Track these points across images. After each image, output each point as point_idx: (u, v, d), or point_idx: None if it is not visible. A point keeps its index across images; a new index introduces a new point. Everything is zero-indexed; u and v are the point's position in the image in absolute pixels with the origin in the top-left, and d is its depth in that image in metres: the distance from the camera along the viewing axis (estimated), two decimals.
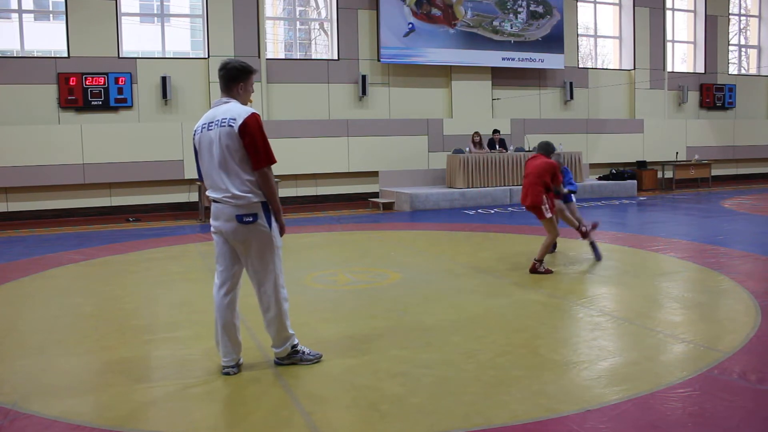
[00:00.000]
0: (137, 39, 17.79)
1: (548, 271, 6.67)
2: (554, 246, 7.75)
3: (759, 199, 14.32)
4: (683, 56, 21.28)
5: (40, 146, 12.80)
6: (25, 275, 7.26)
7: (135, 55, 14.65)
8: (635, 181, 16.23)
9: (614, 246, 8.38)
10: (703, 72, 19.65)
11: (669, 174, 17.90)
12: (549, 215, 6.75)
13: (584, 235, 7.34)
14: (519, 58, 16.58)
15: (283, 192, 14.20)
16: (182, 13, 19.63)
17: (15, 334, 4.95)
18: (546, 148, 6.94)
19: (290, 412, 3.35)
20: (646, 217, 11.97)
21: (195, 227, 11.49)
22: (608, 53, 21.55)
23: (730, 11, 20.26)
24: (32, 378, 3.93)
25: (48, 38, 16.05)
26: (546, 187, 6.74)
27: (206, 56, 14.25)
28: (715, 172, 18.93)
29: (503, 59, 16.43)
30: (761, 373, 3.70)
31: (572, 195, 7.63)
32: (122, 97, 13.46)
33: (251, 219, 3.74)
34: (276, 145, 3.81)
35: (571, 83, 17.50)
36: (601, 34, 19.24)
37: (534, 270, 6.64)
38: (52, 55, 13.73)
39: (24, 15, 13.65)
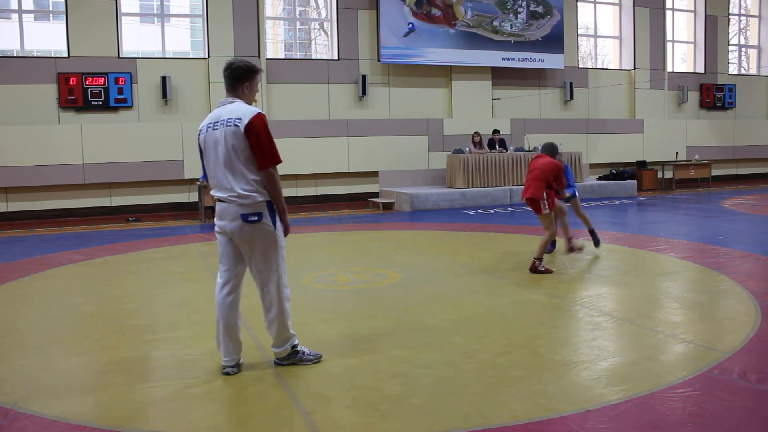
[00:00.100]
0: (137, 39, 17.79)
1: (548, 271, 6.67)
2: (553, 244, 7.79)
3: (759, 199, 14.32)
4: (683, 56, 21.29)
5: (40, 146, 12.81)
6: (25, 275, 7.26)
7: (135, 55, 14.65)
8: (635, 181, 16.23)
9: (614, 246, 8.38)
10: (703, 72, 19.66)
11: (669, 174, 17.90)
12: (547, 211, 6.79)
13: (570, 248, 7.36)
14: (519, 58, 16.58)
15: (283, 192, 14.16)
16: (182, 13, 19.63)
17: (15, 334, 4.95)
18: (551, 149, 7.06)
19: (290, 412, 3.35)
20: (646, 217, 11.97)
21: (195, 227, 11.49)
22: (608, 53, 21.56)
23: (730, 11, 20.26)
24: (32, 378, 3.93)
25: (48, 38, 16.05)
26: (548, 185, 6.81)
27: (206, 56, 14.25)
28: (715, 172, 18.93)
29: (503, 59, 16.43)
30: (761, 373, 3.70)
31: (574, 194, 7.79)
32: (122, 97, 13.46)
33: (256, 218, 3.75)
34: (276, 145, 3.82)
35: (571, 83, 17.51)
36: (601, 34, 19.24)
37: (534, 269, 6.65)
38: (52, 55, 13.73)
39: (24, 15, 13.65)
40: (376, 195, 15.07)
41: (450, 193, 13.90)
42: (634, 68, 18.37)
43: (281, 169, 3.95)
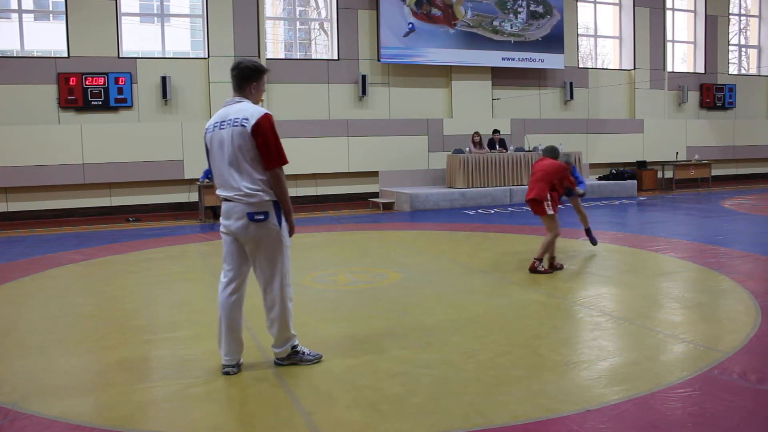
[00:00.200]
0: (137, 39, 17.78)
1: (547, 271, 6.67)
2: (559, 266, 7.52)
3: (759, 199, 14.32)
4: (683, 56, 21.28)
5: (40, 146, 12.81)
6: (25, 275, 7.26)
7: (135, 55, 14.65)
8: (635, 181, 16.23)
9: (614, 246, 8.38)
10: (703, 72, 19.66)
11: (669, 174, 17.90)
12: (551, 212, 6.80)
13: (551, 265, 6.93)
14: (519, 58, 16.58)
15: None
16: (182, 13, 19.63)
17: (15, 334, 4.95)
18: (552, 152, 7.13)
19: (290, 412, 3.35)
20: (646, 217, 11.97)
21: (195, 227, 11.49)
22: (608, 53, 21.55)
23: (730, 11, 20.26)
24: (32, 378, 3.93)
25: (48, 38, 16.05)
26: (552, 187, 6.84)
27: (206, 56, 14.25)
28: (715, 172, 18.92)
29: (503, 59, 16.43)
30: (761, 373, 3.70)
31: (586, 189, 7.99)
32: (122, 97, 13.46)
33: (263, 217, 3.75)
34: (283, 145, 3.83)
35: (571, 83, 17.51)
36: (601, 34, 19.24)
37: (533, 269, 6.65)
38: (52, 55, 13.73)
39: (24, 15, 13.65)
40: (376, 195, 15.07)
41: (450, 193, 13.90)
42: (634, 68, 18.37)
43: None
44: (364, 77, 15.28)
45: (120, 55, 13.60)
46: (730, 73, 20.38)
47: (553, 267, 6.82)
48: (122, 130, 13.43)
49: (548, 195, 6.80)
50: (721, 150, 19.62)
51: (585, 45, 22.69)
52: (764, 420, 3.15)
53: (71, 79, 13.07)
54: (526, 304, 5.50)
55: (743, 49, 22.33)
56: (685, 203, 13.97)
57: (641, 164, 17.80)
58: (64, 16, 13.23)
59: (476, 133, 14.90)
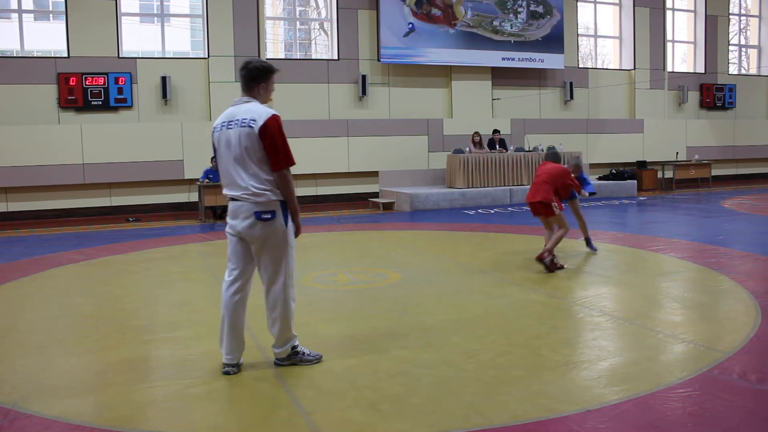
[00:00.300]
0: (137, 39, 17.79)
1: (549, 270, 6.67)
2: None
3: (759, 199, 14.32)
4: (683, 56, 21.28)
5: (40, 146, 12.81)
6: (25, 275, 7.26)
7: (135, 55, 14.65)
8: (635, 181, 16.23)
9: (614, 246, 8.38)
10: (703, 72, 19.65)
11: (669, 174, 17.89)
12: (558, 212, 6.94)
13: (550, 263, 6.95)
14: (519, 58, 16.58)
15: None
16: (182, 13, 19.64)
17: (15, 334, 4.95)
18: (555, 157, 7.34)
19: (290, 412, 3.35)
20: (646, 217, 11.97)
21: (195, 227, 11.49)
22: (608, 53, 21.55)
23: (730, 11, 20.26)
24: (32, 378, 3.92)
25: (48, 38, 16.05)
26: (555, 190, 6.99)
27: (206, 56, 14.25)
28: (715, 172, 18.92)
29: (503, 59, 16.43)
30: (761, 373, 3.70)
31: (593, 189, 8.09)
32: (122, 97, 13.46)
33: (270, 216, 3.75)
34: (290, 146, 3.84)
35: (571, 83, 17.50)
36: (601, 34, 19.24)
37: (541, 259, 6.64)
38: (52, 55, 13.74)
39: (24, 15, 13.65)
40: (376, 195, 15.07)
41: (450, 193, 13.90)
42: (634, 68, 18.37)
43: None
44: (364, 77, 15.28)
45: (120, 55, 13.60)
46: (730, 73, 20.38)
47: (554, 267, 6.83)
48: (122, 130, 13.43)
49: (553, 197, 6.99)
50: (721, 150, 19.61)
51: (585, 45, 22.69)
52: (764, 420, 3.15)
53: (71, 79, 13.07)
54: (526, 304, 5.50)
55: (743, 49, 22.33)
56: (685, 203, 13.97)
57: (641, 164, 17.80)
58: (64, 16, 13.23)
59: (476, 133, 14.90)
